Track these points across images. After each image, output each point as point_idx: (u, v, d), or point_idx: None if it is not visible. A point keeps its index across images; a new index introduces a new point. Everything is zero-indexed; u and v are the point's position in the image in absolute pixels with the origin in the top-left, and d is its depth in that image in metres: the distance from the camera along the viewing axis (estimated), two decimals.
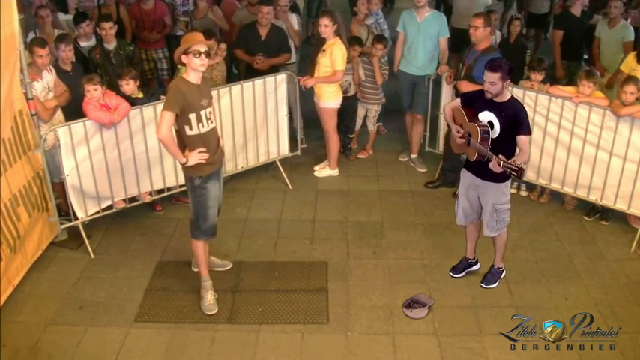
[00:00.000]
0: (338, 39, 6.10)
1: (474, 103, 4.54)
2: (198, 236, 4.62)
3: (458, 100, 4.72)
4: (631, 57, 6.27)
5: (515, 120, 4.35)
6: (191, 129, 4.33)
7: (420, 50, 6.40)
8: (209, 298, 4.73)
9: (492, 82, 4.30)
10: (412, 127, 6.88)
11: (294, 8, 7.72)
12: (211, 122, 4.44)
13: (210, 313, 4.68)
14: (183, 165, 4.40)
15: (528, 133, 4.43)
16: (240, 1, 7.92)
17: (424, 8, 6.35)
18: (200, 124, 4.34)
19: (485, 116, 4.43)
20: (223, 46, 6.38)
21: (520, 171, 4.10)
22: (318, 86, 6.29)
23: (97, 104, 5.23)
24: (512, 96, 4.47)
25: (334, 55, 6.06)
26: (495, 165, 4.20)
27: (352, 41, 6.67)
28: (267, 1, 6.63)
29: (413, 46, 6.43)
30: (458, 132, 4.57)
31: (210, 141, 4.44)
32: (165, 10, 7.68)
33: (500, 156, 4.22)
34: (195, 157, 4.34)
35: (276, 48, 6.71)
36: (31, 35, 6.45)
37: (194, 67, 4.27)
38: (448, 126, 6.17)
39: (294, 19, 7.07)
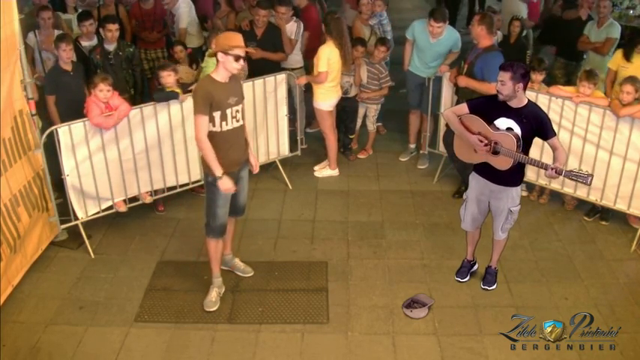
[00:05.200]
0: (330, 41, 6.12)
1: (485, 109, 4.41)
2: (208, 234, 4.63)
3: (464, 107, 4.52)
4: (619, 55, 6.25)
5: (539, 125, 4.26)
6: (214, 126, 4.32)
7: (429, 62, 6.46)
8: (213, 295, 4.76)
9: (502, 82, 4.19)
10: (417, 124, 6.91)
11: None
12: (237, 121, 4.41)
13: (208, 309, 4.70)
14: (215, 177, 4.32)
15: (554, 133, 4.34)
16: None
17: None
18: (224, 122, 4.33)
19: (503, 122, 4.32)
20: None
21: (590, 177, 4.04)
22: (313, 87, 6.34)
23: (102, 105, 5.20)
24: (529, 100, 4.35)
25: (318, 56, 6.11)
26: (553, 174, 4.12)
27: (355, 42, 6.67)
28: (265, 5, 6.63)
29: (424, 56, 6.46)
30: (481, 141, 4.37)
31: (233, 139, 4.41)
32: (165, 10, 7.68)
33: (557, 164, 4.14)
34: (228, 184, 4.32)
35: (272, 46, 6.70)
36: (31, 36, 6.45)
37: (229, 69, 4.28)
38: (446, 126, 6.21)
39: (292, 28, 7.01)
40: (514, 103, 4.27)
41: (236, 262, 5.12)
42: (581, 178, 4.07)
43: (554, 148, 4.34)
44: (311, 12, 7.45)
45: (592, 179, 4.07)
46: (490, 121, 4.37)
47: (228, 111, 4.33)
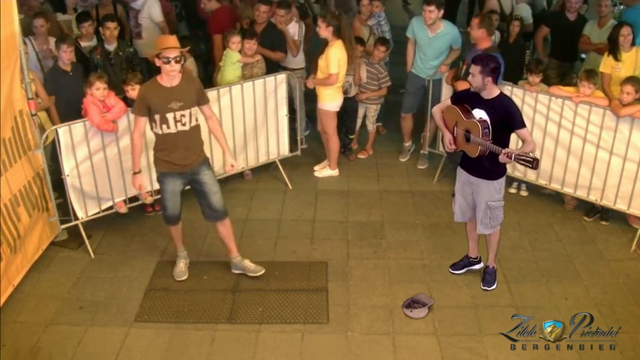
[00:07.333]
0: (339, 41, 6.06)
1: (465, 101, 4.57)
2: (164, 220, 4.95)
3: (447, 101, 4.76)
4: (607, 57, 6.18)
5: (506, 116, 4.37)
6: (155, 127, 4.53)
7: (431, 60, 6.45)
8: (181, 265, 5.07)
9: (472, 74, 4.36)
10: (410, 125, 6.91)
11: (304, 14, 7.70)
12: (182, 125, 4.50)
13: (178, 279, 4.99)
14: (133, 173, 4.72)
15: (523, 125, 4.40)
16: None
17: (435, 24, 6.30)
18: (164, 125, 4.47)
19: (477, 113, 4.46)
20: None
21: (535, 161, 4.08)
22: (318, 88, 6.31)
23: (100, 104, 5.20)
24: (500, 92, 4.49)
25: (328, 58, 6.04)
26: (505, 158, 4.22)
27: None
28: (266, 1, 6.63)
29: (424, 54, 6.46)
30: (452, 136, 4.62)
31: (178, 142, 4.53)
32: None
33: (510, 148, 4.25)
34: (137, 182, 4.72)
35: (270, 44, 6.70)
36: (26, 41, 6.33)
37: (164, 71, 4.38)
38: None
39: (295, 29, 6.99)
40: (485, 95, 4.43)
41: (246, 263, 5.09)
42: (527, 162, 4.09)
43: (523, 140, 4.46)
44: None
45: (537, 163, 4.09)
46: (470, 111, 4.53)
47: (169, 115, 4.44)
